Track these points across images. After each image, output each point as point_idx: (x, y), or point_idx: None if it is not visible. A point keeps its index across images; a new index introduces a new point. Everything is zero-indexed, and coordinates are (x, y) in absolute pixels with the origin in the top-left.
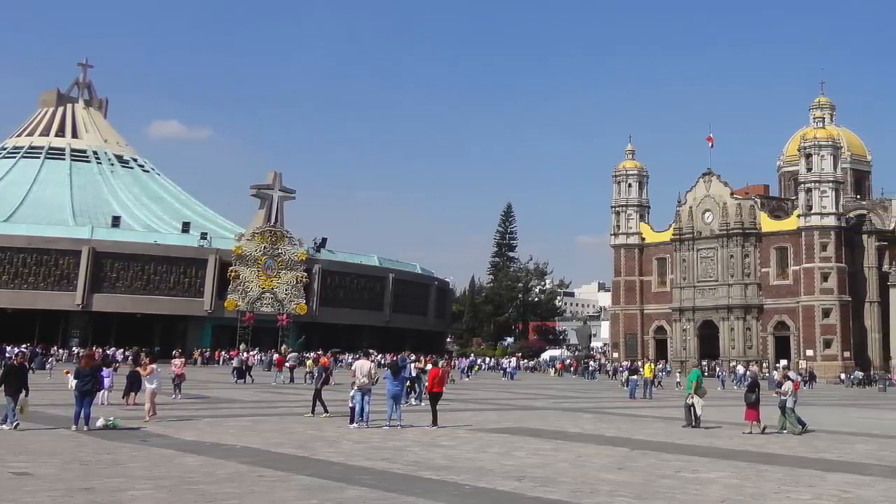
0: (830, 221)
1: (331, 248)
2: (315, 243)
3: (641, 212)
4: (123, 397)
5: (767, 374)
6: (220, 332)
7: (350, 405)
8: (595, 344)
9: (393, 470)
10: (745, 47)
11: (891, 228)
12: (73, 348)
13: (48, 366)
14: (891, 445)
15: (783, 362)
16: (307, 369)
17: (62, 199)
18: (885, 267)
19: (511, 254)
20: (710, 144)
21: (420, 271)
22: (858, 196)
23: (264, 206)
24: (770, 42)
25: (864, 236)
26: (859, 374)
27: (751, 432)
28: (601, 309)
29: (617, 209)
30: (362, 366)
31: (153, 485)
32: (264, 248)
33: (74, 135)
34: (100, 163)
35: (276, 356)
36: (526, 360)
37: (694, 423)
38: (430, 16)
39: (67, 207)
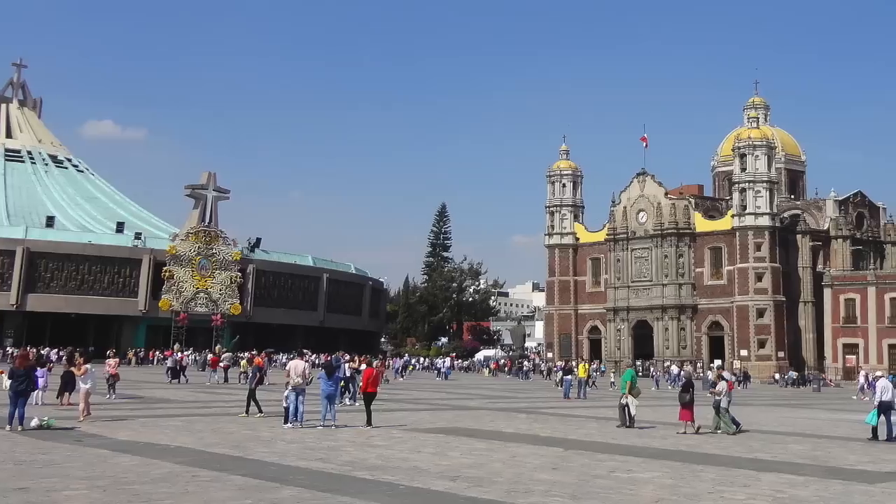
0: (764, 221)
1: (265, 248)
2: (249, 243)
3: (576, 212)
4: (58, 397)
5: (702, 374)
6: (155, 332)
7: (284, 405)
8: (529, 344)
9: (327, 470)
10: (680, 47)
11: (825, 228)
12: (8, 348)
13: None
14: (824, 445)
15: (717, 362)
16: (241, 369)
17: None
18: (819, 267)
19: (445, 254)
20: (644, 145)
21: (354, 271)
22: (793, 196)
23: (198, 207)
24: (704, 42)
25: (799, 236)
26: (793, 374)
27: (685, 432)
28: (535, 309)
29: (551, 209)
30: (296, 366)
31: (88, 485)
32: (198, 248)
33: (8, 135)
34: (34, 163)
35: (210, 356)
36: (460, 360)
37: (628, 424)
38: (362, 16)
39: (1, 207)
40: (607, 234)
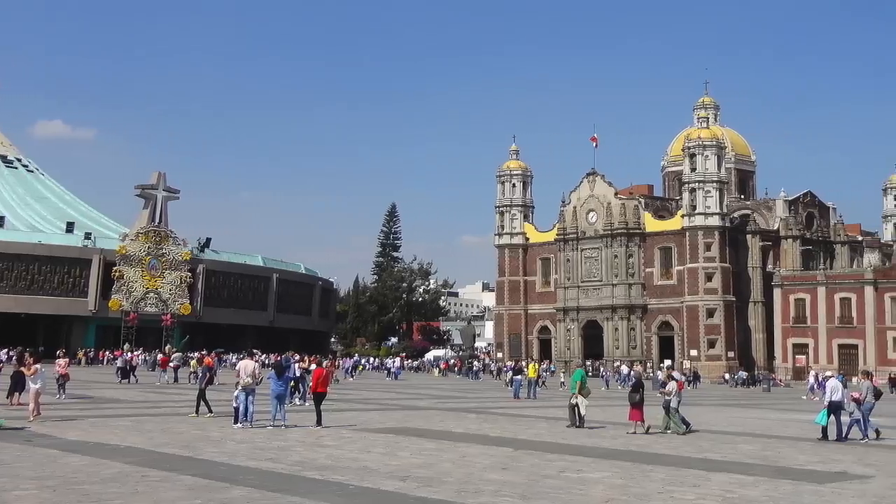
0: (714, 221)
1: (215, 248)
2: (199, 243)
3: (526, 212)
4: (7, 397)
5: (652, 374)
6: (105, 332)
7: (234, 405)
8: (479, 344)
9: (277, 470)
10: (630, 47)
11: (775, 228)
12: None
13: None
14: (774, 445)
15: (667, 362)
16: (191, 369)
17: None
18: (769, 267)
19: (395, 254)
20: (594, 144)
21: (304, 271)
22: (742, 196)
23: (148, 206)
24: (654, 42)
25: (749, 236)
26: (743, 374)
27: (635, 432)
28: (485, 309)
29: (501, 209)
30: (246, 366)
31: (38, 484)
32: (148, 247)
33: None
34: None
35: (160, 356)
36: (410, 360)
37: (578, 423)
38: (311, 16)
39: None
40: (557, 235)
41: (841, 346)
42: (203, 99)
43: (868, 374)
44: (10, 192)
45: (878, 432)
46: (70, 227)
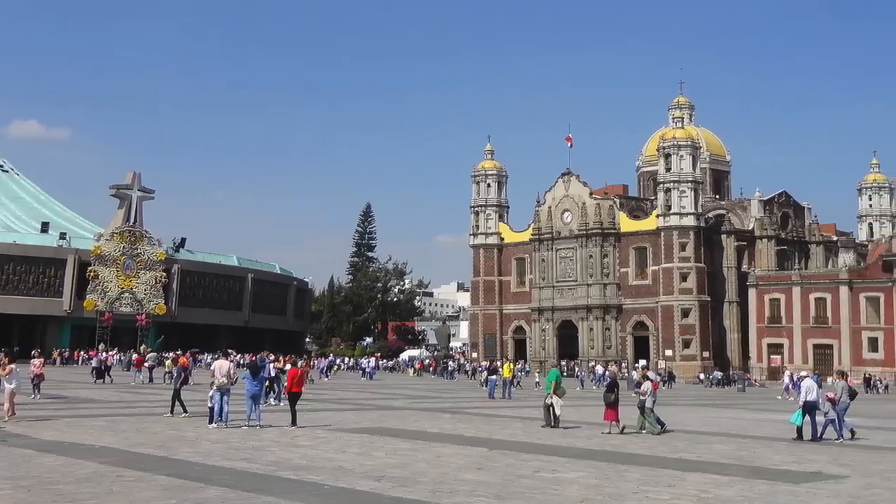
0: (689, 221)
1: (190, 248)
2: (174, 243)
3: (501, 212)
4: None
5: (626, 374)
6: (80, 332)
7: (209, 405)
8: (454, 344)
9: (252, 470)
10: (604, 47)
11: (750, 228)
12: None
13: None
14: (749, 445)
15: (642, 362)
16: (166, 369)
17: None
18: (744, 267)
19: (370, 254)
20: (569, 145)
21: (279, 271)
22: (717, 196)
23: (123, 207)
24: (629, 42)
25: (724, 236)
26: (718, 374)
27: (610, 432)
28: (460, 309)
29: (476, 209)
30: (221, 366)
31: (12, 484)
32: (123, 247)
33: None
34: None
35: (135, 356)
36: (385, 360)
37: (553, 423)
38: (286, 16)
39: None
40: (532, 234)
41: (816, 346)
42: (177, 99)
43: (843, 374)
44: None
45: (852, 432)
46: (45, 227)
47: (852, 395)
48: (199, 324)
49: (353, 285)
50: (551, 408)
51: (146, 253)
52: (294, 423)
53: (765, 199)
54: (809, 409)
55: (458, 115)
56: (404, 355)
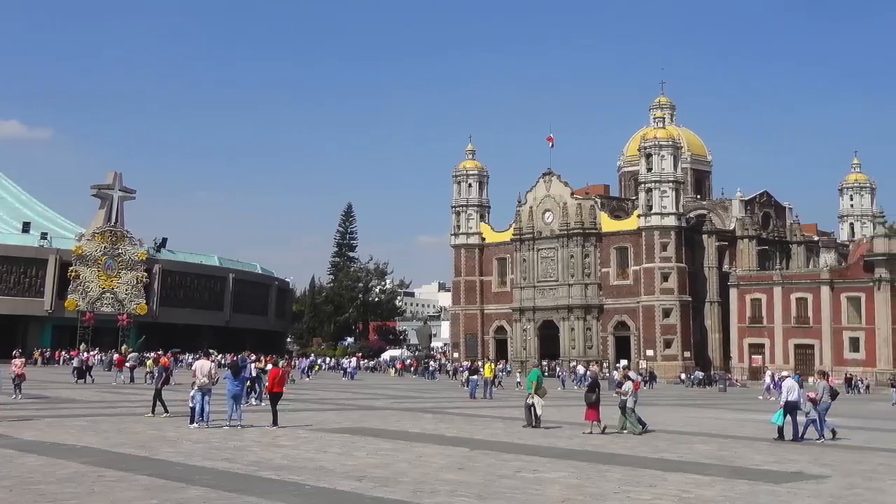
0: (671, 221)
1: (171, 248)
2: (155, 243)
3: (482, 212)
4: None
5: (608, 374)
6: (61, 332)
7: (190, 405)
8: (435, 344)
9: (233, 470)
10: (586, 47)
11: (731, 228)
12: None
13: None
14: (730, 445)
15: (623, 362)
16: (147, 369)
17: None
18: (725, 267)
19: (351, 254)
20: (550, 144)
21: (260, 271)
22: (699, 196)
23: (105, 207)
24: (610, 42)
25: (705, 236)
26: (700, 373)
27: (591, 432)
28: (441, 309)
29: (457, 209)
30: (202, 366)
31: None
32: (105, 248)
33: None
34: None
35: (116, 356)
36: (366, 361)
37: (534, 423)
38: (268, 16)
39: None
40: (513, 235)
41: (797, 346)
42: (159, 99)
43: (824, 374)
44: None
45: (833, 432)
46: (26, 227)
47: (833, 395)
48: (181, 324)
49: (334, 285)
50: (533, 408)
51: (127, 253)
52: (275, 423)
53: (746, 199)
54: (790, 409)
55: (439, 115)
56: (385, 355)
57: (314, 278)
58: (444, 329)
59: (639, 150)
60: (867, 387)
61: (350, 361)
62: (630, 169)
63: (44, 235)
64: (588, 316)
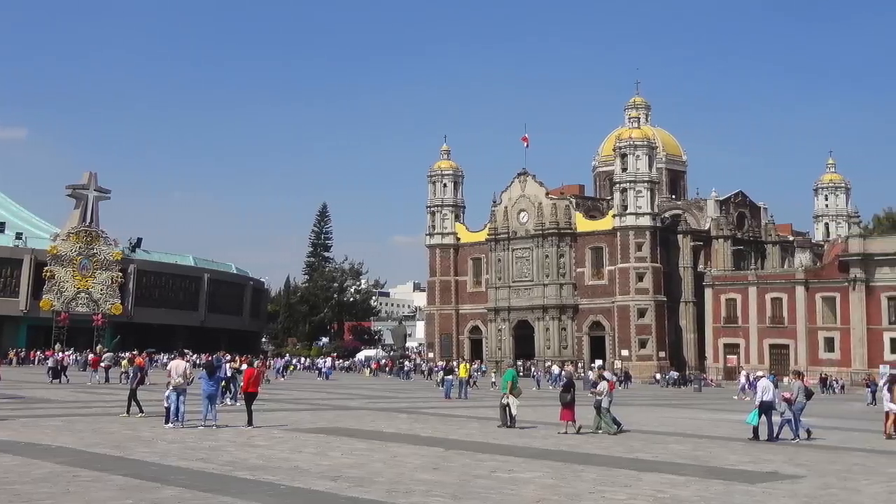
0: (646, 221)
1: (146, 248)
2: (130, 243)
3: (457, 212)
4: None
5: (583, 374)
6: (36, 332)
7: (165, 405)
8: (410, 344)
9: (208, 470)
10: (561, 46)
11: (706, 228)
12: None
13: None
14: (705, 445)
15: (598, 362)
16: (122, 369)
17: None
18: (700, 267)
19: (326, 254)
20: (525, 144)
21: (235, 271)
22: (674, 196)
23: (80, 207)
24: (585, 41)
25: (680, 236)
26: (675, 373)
27: (566, 432)
28: (416, 309)
29: (432, 209)
30: (177, 366)
31: None
32: (80, 248)
33: None
34: None
35: (91, 356)
36: (341, 360)
37: (509, 423)
38: (241, 15)
39: None
40: (488, 234)
41: (772, 346)
42: (134, 99)
43: (799, 374)
44: None
45: (809, 432)
46: (1, 227)
47: (808, 394)
48: (156, 324)
49: (309, 285)
50: (507, 408)
51: (102, 253)
52: (250, 422)
53: (721, 199)
54: (765, 408)
55: (414, 115)
56: (360, 355)
57: (289, 278)
58: (420, 329)
59: (614, 150)
60: (842, 387)
61: (325, 361)
62: (605, 169)
63: (19, 235)
64: (563, 316)
